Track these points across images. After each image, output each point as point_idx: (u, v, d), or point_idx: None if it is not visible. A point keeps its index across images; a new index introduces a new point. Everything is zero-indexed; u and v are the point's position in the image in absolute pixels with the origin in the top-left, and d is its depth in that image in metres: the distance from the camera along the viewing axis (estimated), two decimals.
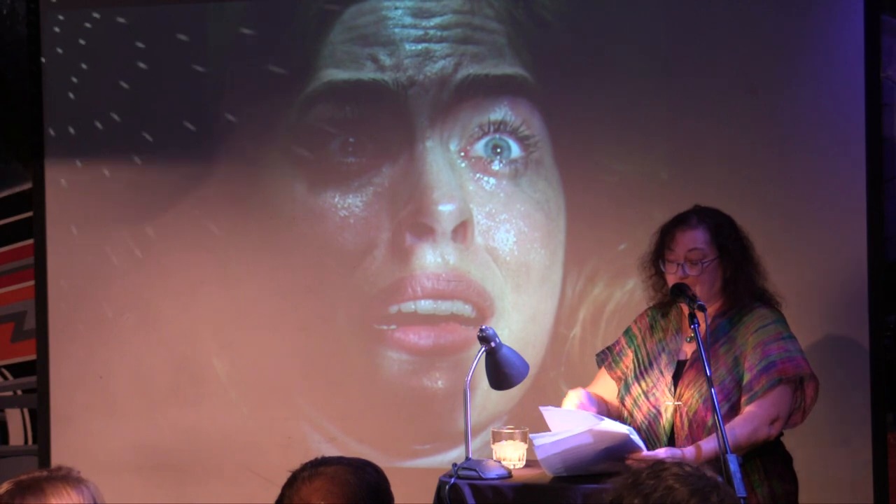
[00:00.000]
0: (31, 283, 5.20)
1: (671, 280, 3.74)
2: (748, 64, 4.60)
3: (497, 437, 3.73)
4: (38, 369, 5.18)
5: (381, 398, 4.90)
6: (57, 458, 5.07)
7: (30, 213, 5.20)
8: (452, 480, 3.52)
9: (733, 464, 3.24)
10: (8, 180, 5.25)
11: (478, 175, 4.82)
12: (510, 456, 3.70)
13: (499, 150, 4.80)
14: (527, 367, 3.82)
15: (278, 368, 4.98)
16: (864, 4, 4.51)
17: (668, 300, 3.80)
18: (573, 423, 3.51)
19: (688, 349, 3.75)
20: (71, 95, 5.13)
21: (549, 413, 3.60)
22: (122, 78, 5.09)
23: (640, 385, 3.78)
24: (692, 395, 3.66)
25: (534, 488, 3.49)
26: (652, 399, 3.74)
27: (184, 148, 5.05)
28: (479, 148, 4.82)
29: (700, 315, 3.54)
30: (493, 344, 3.74)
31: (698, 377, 3.65)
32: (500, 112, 4.81)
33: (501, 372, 3.76)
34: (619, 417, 3.83)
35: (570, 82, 4.76)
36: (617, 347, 3.93)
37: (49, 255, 5.16)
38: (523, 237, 4.80)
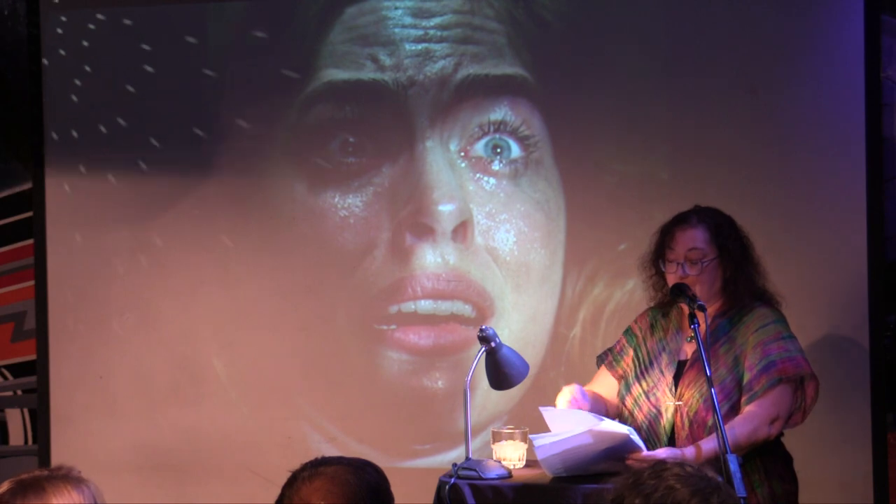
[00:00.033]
0: (31, 283, 5.20)
1: (671, 280, 3.74)
2: (748, 64, 4.60)
3: (497, 437, 3.73)
4: (38, 369, 5.18)
5: (381, 398, 4.90)
6: (57, 458, 5.07)
7: (30, 213, 5.20)
8: (452, 480, 3.52)
9: (733, 464, 3.24)
10: (8, 180, 5.25)
11: (478, 175, 4.82)
12: (510, 456, 3.70)
13: (499, 150, 4.81)
14: (527, 367, 3.82)
15: (278, 368, 4.98)
16: (864, 4, 4.51)
17: (669, 300, 3.80)
18: (573, 423, 3.51)
19: (688, 349, 3.75)
20: (74, 98, 5.12)
21: (548, 413, 3.60)
22: (122, 79, 5.09)
23: (640, 385, 3.78)
24: (693, 394, 3.66)
25: (534, 488, 3.49)
26: (652, 399, 3.74)
27: (184, 148, 5.05)
28: (479, 148, 4.82)
29: (700, 315, 3.54)
30: (493, 344, 3.74)
31: (699, 377, 3.65)
32: (500, 112, 4.81)
33: (501, 372, 3.76)
34: (617, 415, 3.83)
35: (570, 82, 4.76)
36: (617, 346, 3.93)
37: (49, 255, 5.15)
38: (523, 237, 4.80)
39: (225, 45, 5.02)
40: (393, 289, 4.88)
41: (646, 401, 3.75)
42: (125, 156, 5.09)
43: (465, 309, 4.84)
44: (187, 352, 5.05)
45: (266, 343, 4.98)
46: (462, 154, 4.83)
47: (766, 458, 3.67)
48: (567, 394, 3.70)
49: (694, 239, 3.73)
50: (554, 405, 3.67)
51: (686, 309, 3.66)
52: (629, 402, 3.79)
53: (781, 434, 3.71)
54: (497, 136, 4.81)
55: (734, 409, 3.64)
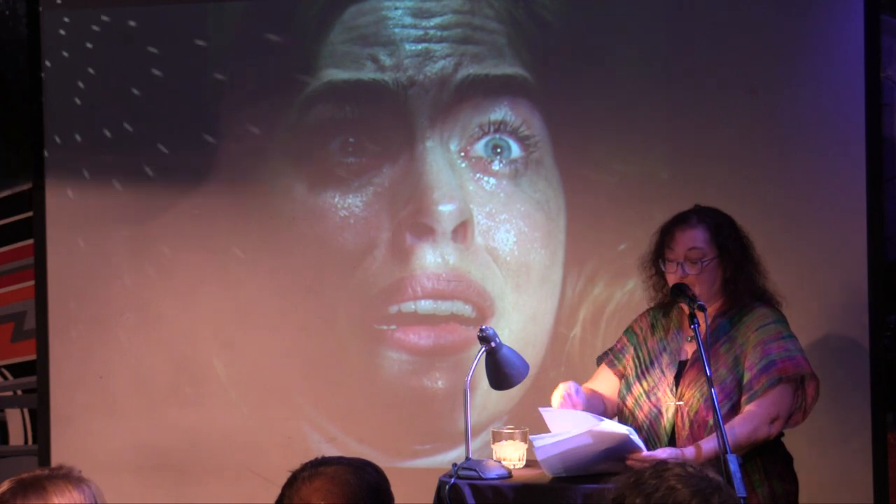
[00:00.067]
0: (31, 283, 5.20)
1: (671, 280, 3.74)
2: (748, 64, 4.60)
3: (497, 437, 3.73)
4: (38, 369, 5.18)
5: (381, 398, 4.90)
6: (57, 458, 5.07)
7: (30, 214, 5.20)
8: (452, 480, 3.52)
9: (733, 464, 3.25)
10: (8, 180, 5.25)
11: (478, 175, 4.82)
12: (510, 456, 3.70)
13: (499, 150, 4.81)
14: (527, 367, 3.82)
15: (278, 368, 4.98)
16: (864, 4, 4.51)
17: (669, 300, 3.80)
18: (573, 423, 3.50)
19: (689, 349, 3.75)
20: (78, 101, 5.12)
21: (548, 414, 3.60)
22: (122, 79, 5.09)
23: (641, 384, 3.78)
24: (693, 394, 3.66)
25: (534, 488, 3.49)
26: (653, 399, 3.74)
27: (184, 148, 5.05)
28: (480, 148, 4.82)
29: (700, 315, 3.54)
30: (493, 344, 3.74)
31: (699, 377, 3.65)
32: (500, 112, 4.81)
33: (501, 372, 3.76)
34: (616, 413, 3.83)
35: (570, 82, 4.76)
36: (618, 345, 3.93)
37: (49, 255, 5.15)
38: (523, 237, 4.80)
39: (225, 46, 5.02)
40: (393, 289, 4.88)
41: (646, 400, 3.75)
42: (126, 157, 5.09)
43: (466, 309, 4.84)
44: (187, 352, 5.05)
45: (266, 343, 4.98)
46: (462, 154, 4.83)
47: (767, 457, 3.67)
48: (561, 389, 3.69)
49: (694, 239, 3.73)
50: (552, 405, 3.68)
51: (686, 309, 3.66)
52: (630, 401, 3.79)
53: (782, 434, 3.71)
54: (497, 136, 4.81)
55: (735, 409, 3.64)
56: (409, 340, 4.88)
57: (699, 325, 3.51)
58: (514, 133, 4.79)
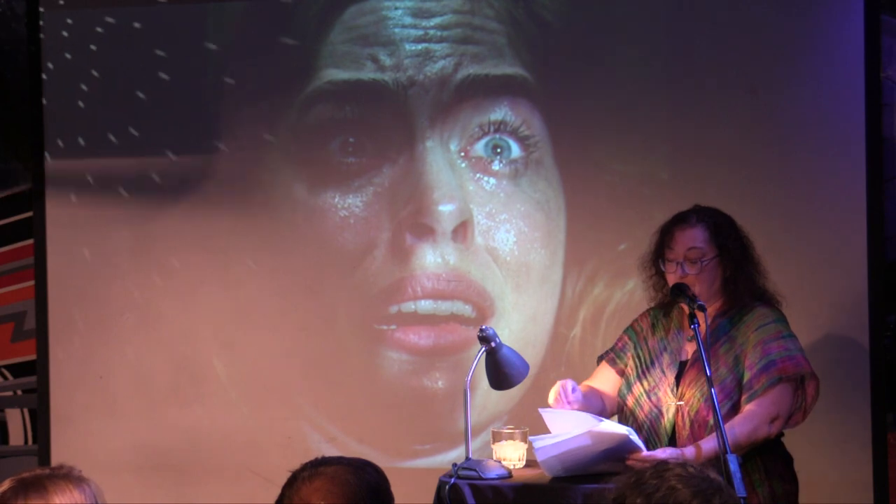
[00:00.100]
0: (31, 283, 5.20)
1: (671, 279, 3.74)
2: (748, 64, 4.60)
3: (497, 437, 3.73)
4: (38, 369, 5.18)
5: (381, 398, 4.90)
6: (57, 458, 5.07)
7: (30, 213, 5.20)
8: (452, 480, 3.52)
9: (733, 464, 3.25)
10: (8, 180, 5.25)
11: (478, 175, 4.82)
12: (510, 456, 3.70)
13: (499, 150, 4.81)
14: (527, 367, 3.82)
15: (278, 368, 4.98)
16: (864, 4, 4.51)
17: (669, 300, 3.80)
18: (572, 424, 3.50)
19: (689, 349, 3.75)
20: (81, 105, 5.12)
21: (548, 415, 3.60)
22: (121, 78, 5.09)
23: (641, 384, 3.78)
24: (694, 394, 3.66)
25: (534, 488, 3.49)
26: (654, 399, 3.74)
27: (184, 148, 5.05)
28: (479, 148, 4.82)
29: (700, 315, 3.54)
30: (493, 344, 3.74)
31: (699, 377, 3.65)
32: (500, 112, 4.81)
33: (501, 372, 3.76)
34: (615, 410, 3.83)
35: (570, 82, 4.76)
36: (619, 343, 3.93)
37: (49, 255, 5.15)
38: (523, 237, 4.80)
39: (225, 45, 5.02)
40: (393, 289, 4.88)
41: (647, 400, 3.75)
42: (126, 159, 5.08)
43: (465, 309, 4.84)
44: (187, 352, 5.05)
45: (266, 343, 4.98)
46: (462, 154, 4.83)
47: (767, 457, 3.66)
48: (557, 387, 3.68)
49: (693, 238, 3.73)
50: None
51: (686, 309, 3.66)
52: (630, 401, 3.79)
53: (782, 434, 3.71)
54: (497, 136, 4.81)
55: (735, 409, 3.63)
56: (409, 340, 4.88)
57: (699, 325, 3.51)
58: (514, 133, 4.79)
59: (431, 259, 4.83)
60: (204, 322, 5.03)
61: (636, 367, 3.83)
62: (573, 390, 3.67)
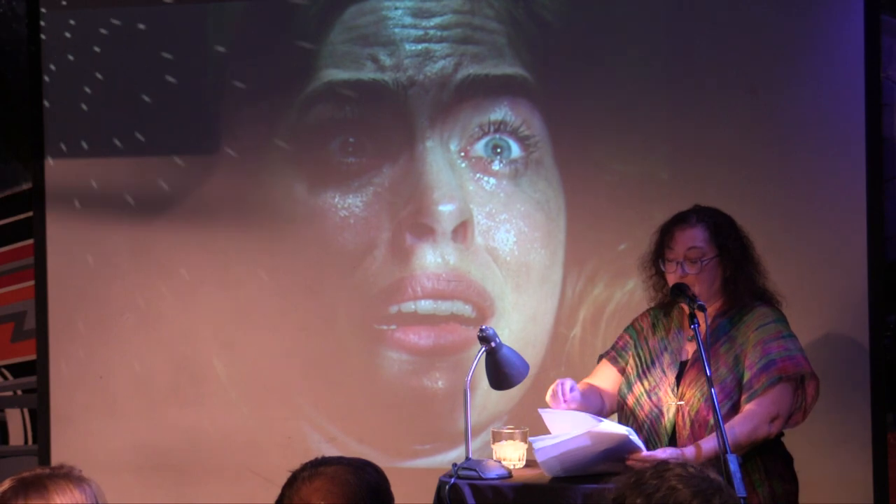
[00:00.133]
0: (31, 283, 5.20)
1: (671, 279, 3.74)
2: (748, 64, 4.60)
3: (497, 437, 3.73)
4: (38, 369, 5.18)
5: (381, 398, 4.90)
6: (57, 459, 5.07)
7: (30, 213, 5.20)
8: (452, 480, 3.52)
9: (733, 464, 3.24)
10: (8, 180, 5.25)
11: (478, 175, 4.82)
12: (510, 456, 3.70)
13: (499, 150, 4.81)
14: (527, 367, 3.82)
15: (278, 368, 4.98)
16: (864, 4, 4.51)
17: (669, 300, 3.80)
18: (572, 425, 3.50)
19: (690, 348, 3.75)
20: (84, 107, 5.12)
21: (548, 415, 3.60)
22: (121, 78, 5.09)
23: (642, 384, 3.78)
24: (694, 394, 3.66)
25: (534, 488, 3.49)
26: (654, 398, 3.74)
27: (184, 148, 5.05)
28: (480, 148, 4.82)
29: (700, 315, 3.54)
30: (493, 344, 3.74)
31: (699, 377, 3.65)
32: (500, 112, 4.81)
33: (501, 372, 3.76)
34: (615, 408, 3.83)
35: (570, 82, 4.76)
36: (620, 342, 3.93)
37: (49, 255, 5.15)
38: (523, 237, 4.80)
39: (225, 45, 5.02)
40: (393, 289, 4.88)
41: (647, 400, 3.75)
42: (126, 159, 5.08)
43: (465, 309, 4.84)
44: (187, 352, 5.05)
45: (266, 343, 4.98)
46: (462, 154, 4.83)
47: (767, 457, 3.67)
48: (554, 385, 3.67)
49: (693, 238, 3.73)
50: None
51: (686, 309, 3.66)
52: (630, 400, 3.79)
53: (782, 434, 3.71)
54: (497, 136, 4.81)
55: (735, 409, 3.63)
56: (409, 340, 4.88)
57: (699, 324, 3.51)
58: (514, 133, 4.79)
59: (431, 259, 4.83)
60: (204, 322, 5.03)
61: (637, 366, 3.83)
62: (571, 389, 3.66)
